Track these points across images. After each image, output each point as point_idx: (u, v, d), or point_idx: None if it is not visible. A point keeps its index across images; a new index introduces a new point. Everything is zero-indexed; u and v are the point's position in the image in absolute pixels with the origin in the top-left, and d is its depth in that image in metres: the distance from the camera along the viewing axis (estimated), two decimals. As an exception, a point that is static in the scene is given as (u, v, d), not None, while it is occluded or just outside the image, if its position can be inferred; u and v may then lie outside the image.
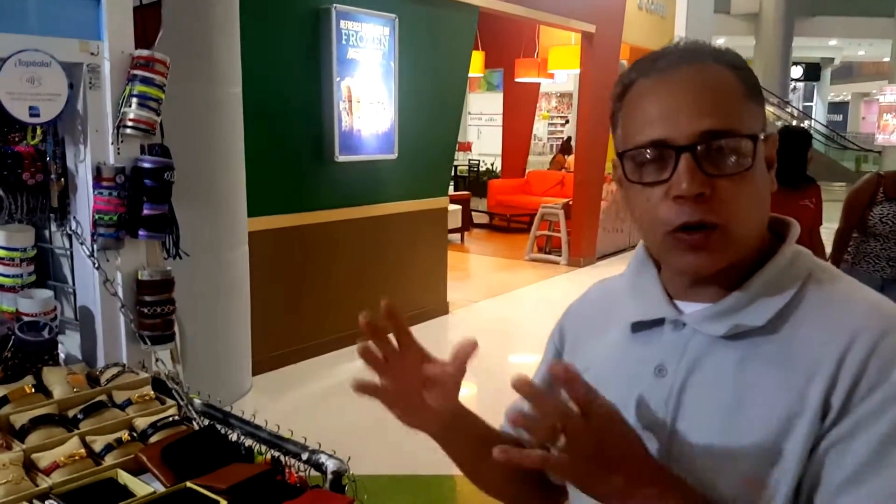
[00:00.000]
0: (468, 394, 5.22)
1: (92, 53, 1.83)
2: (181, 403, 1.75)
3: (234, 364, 4.47)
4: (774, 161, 0.88)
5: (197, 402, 1.76)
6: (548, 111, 14.71)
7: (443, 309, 6.57)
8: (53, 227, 1.99)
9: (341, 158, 5.34)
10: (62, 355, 1.91)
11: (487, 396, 5.08)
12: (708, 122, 0.81)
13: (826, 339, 0.80)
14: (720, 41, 12.47)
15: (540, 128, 13.96)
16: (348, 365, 5.33)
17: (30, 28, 1.77)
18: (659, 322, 0.91)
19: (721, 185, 0.81)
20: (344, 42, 5.23)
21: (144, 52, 1.87)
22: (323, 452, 1.63)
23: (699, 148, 0.81)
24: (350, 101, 5.38)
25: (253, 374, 4.70)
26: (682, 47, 0.88)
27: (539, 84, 11.99)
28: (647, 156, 0.84)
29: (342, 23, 5.19)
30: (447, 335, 6.33)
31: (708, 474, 0.82)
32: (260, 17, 4.65)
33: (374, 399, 0.99)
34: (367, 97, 5.49)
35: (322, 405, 4.57)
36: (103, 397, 1.69)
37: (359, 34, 5.35)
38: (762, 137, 0.84)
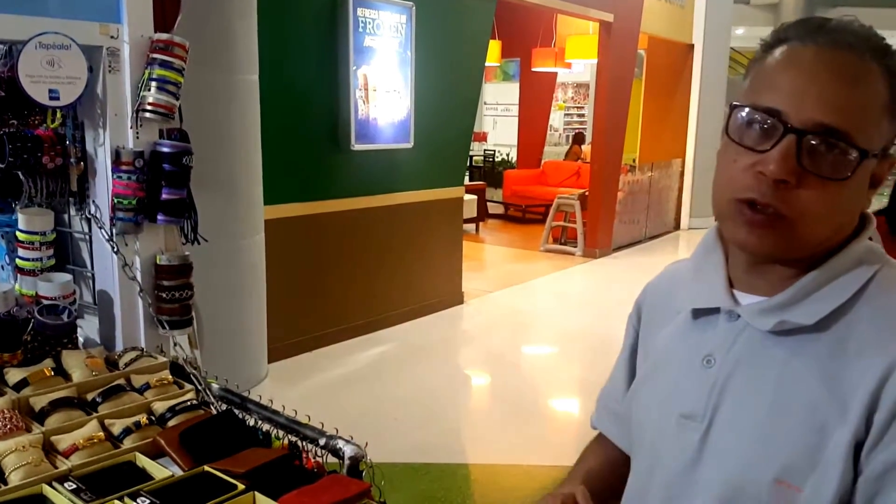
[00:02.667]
0: (483, 384, 5.22)
1: (112, 37, 1.82)
2: (199, 388, 1.75)
3: (250, 351, 4.49)
4: (881, 182, 0.84)
5: (215, 386, 1.76)
6: (564, 101, 14.64)
7: (457, 299, 6.56)
8: (73, 211, 2.00)
9: (357, 147, 5.33)
10: (81, 339, 1.91)
11: (501, 386, 5.08)
12: (831, 116, 0.77)
13: (876, 350, 0.78)
14: (739, 31, 12.23)
15: (556, 118, 13.90)
16: (363, 353, 5.34)
17: (50, 11, 1.77)
18: (717, 311, 0.90)
19: (809, 181, 0.78)
20: (360, 30, 5.21)
21: (164, 36, 1.87)
22: (340, 438, 1.62)
23: (807, 137, 0.77)
24: (366, 89, 5.37)
25: (269, 361, 4.72)
26: (853, 29, 0.81)
27: (556, 74, 11.92)
28: (758, 120, 0.81)
29: (359, 10, 5.17)
30: (461, 325, 6.33)
31: (740, 470, 0.81)
32: (277, 4, 4.64)
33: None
34: (383, 86, 5.47)
35: (337, 393, 4.59)
36: (122, 381, 1.70)
37: (375, 22, 5.33)
38: (876, 155, 0.80)
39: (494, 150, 13.74)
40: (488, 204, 11.04)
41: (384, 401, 4.46)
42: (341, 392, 4.61)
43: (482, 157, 13.52)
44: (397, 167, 5.77)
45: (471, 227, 9.74)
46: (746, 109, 0.82)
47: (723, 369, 0.86)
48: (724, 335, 0.88)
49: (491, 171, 12.88)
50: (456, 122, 6.33)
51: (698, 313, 0.92)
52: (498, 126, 14.83)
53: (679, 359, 0.93)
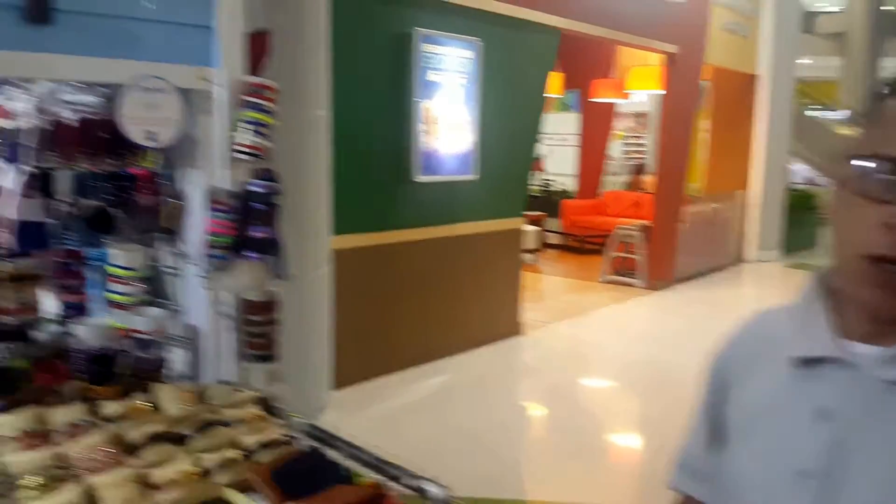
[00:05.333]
0: (542, 417, 5.16)
1: (206, 80, 1.89)
2: (286, 423, 1.77)
3: (313, 380, 4.52)
4: None
5: (301, 422, 1.78)
6: (623, 131, 14.56)
7: (517, 330, 6.53)
8: (164, 247, 2.06)
9: (421, 179, 5.39)
10: (171, 372, 1.96)
11: (561, 420, 5.01)
12: None
13: None
14: (804, 61, 11.99)
15: (615, 148, 13.83)
16: (423, 383, 5.35)
17: (149, 55, 1.85)
18: (825, 361, 0.86)
19: None
20: (426, 65, 5.29)
21: (255, 79, 1.93)
22: (425, 478, 1.62)
23: None
24: (430, 122, 5.43)
25: (332, 389, 4.75)
26: None
27: (615, 104, 11.88)
28: (886, 170, 0.77)
29: (424, 46, 5.26)
30: (521, 356, 6.29)
31: None
32: (346, 41, 4.74)
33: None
34: (447, 118, 5.53)
35: (398, 422, 4.59)
36: (212, 415, 1.73)
37: (440, 57, 5.41)
38: None
39: (552, 180, 13.69)
40: (546, 234, 11.00)
41: (445, 432, 4.45)
42: (402, 422, 4.62)
43: (540, 187, 13.48)
44: (460, 198, 5.81)
45: (530, 257, 9.71)
46: (874, 160, 0.78)
47: (843, 423, 0.82)
48: (840, 387, 0.84)
49: (548, 201, 12.83)
50: (517, 154, 6.35)
51: (804, 363, 0.88)
52: (554, 155, 14.78)
53: (785, 412, 0.89)
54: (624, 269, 9.00)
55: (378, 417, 4.69)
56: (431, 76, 5.36)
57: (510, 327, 6.47)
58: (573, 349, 6.51)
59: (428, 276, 5.64)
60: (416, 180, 5.37)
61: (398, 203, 5.38)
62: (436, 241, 5.66)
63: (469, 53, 5.59)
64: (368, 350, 5.23)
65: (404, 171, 5.35)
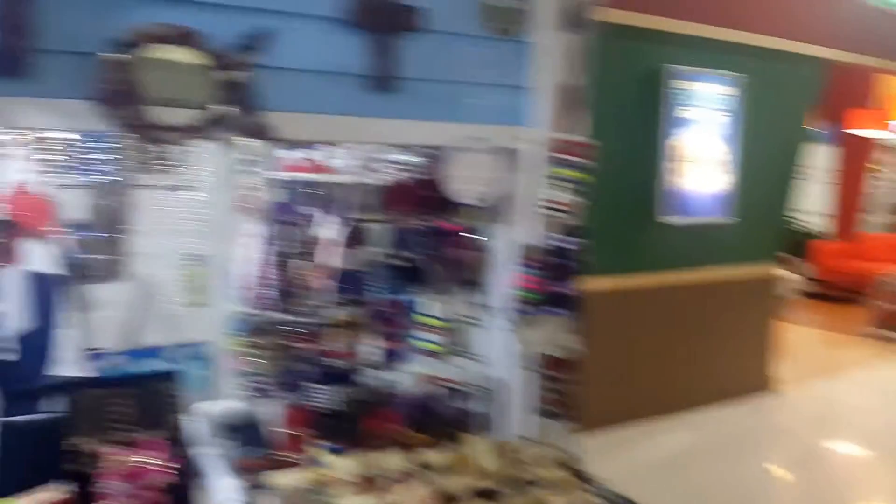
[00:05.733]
0: (787, 481, 4.71)
1: (522, 139, 1.94)
2: (592, 488, 1.74)
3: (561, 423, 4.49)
4: None
5: (608, 487, 1.74)
6: (884, 166, 13.23)
7: (767, 385, 6.05)
8: (470, 299, 2.13)
9: (667, 220, 5.19)
10: (473, 423, 2.01)
11: (809, 489, 4.51)
12: None
13: None
14: None
15: (874, 185, 12.58)
16: (666, 437, 5.09)
17: (472, 117, 1.93)
18: None
19: None
20: (677, 102, 5.12)
21: (568, 136, 1.94)
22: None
23: None
24: (680, 161, 5.23)
25: (577, 433, 4.68)
26: None
27: (873, 138, 10.82)
28: None
29: (675, 83, 5.09)
30: (771, 416, 5.79)
31: None
32: (597, 80, 4.70)
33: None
34: (700, 157, 5.30)
35: (645, 478, 4.38)
36: (523, 473, 1.74)
37: (693, 93, 5.21)
38: None
39: (801, 219, 12.66)
40: (797, 280, 10.16)
41: (694, 494, 4.20)
42: (648, 477, 4.39)
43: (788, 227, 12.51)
44: (711, 241, 5.52)
45: (782, 305, 9.00)
46: None
47: None
48: None
49: (795, 242, 11.86)
50: (775, 193, 5.94)
51: None
52: (803, 192, 13.73)
53: None
54: (889, 323, 8.06)
55: (624, 470, 4.48)
56: (683, 113, 5.17)
57: (759, 382, 6.01)
58: (829, 411, 5.90)
59: (673, 323, 5.39)
60: (663, 221, 5.18)
61: (643, 245, 5.21)
62: (683, 286, 5.41)
63: (728, 89, 5.33)
64: (613, 396, 5.08)
65: (650, 212, 5.18)
